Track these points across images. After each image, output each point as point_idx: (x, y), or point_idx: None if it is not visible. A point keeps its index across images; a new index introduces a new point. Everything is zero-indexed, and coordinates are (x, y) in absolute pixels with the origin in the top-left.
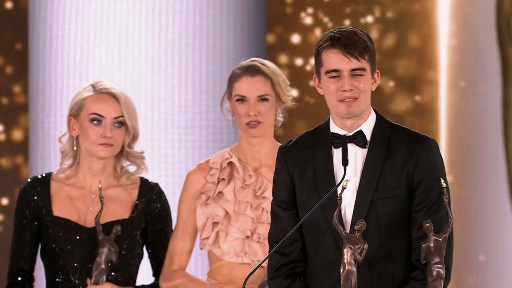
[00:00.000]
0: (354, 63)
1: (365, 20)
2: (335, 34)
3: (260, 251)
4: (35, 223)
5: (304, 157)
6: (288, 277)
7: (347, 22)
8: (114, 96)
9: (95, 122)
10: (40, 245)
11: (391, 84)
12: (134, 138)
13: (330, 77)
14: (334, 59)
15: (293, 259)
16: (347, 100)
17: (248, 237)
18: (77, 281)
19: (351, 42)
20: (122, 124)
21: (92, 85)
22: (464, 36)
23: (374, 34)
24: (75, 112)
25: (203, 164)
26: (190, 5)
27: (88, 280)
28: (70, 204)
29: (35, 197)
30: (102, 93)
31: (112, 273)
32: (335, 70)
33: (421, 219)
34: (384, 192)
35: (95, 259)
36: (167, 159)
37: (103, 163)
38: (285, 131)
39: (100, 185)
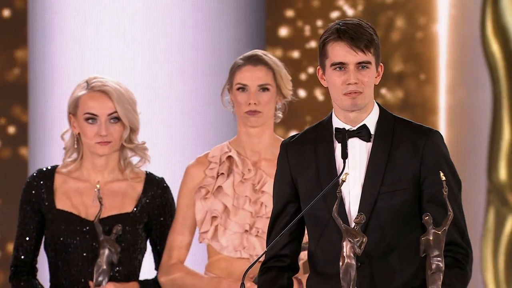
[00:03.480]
0: (360, 56)
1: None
2: (341, 27)
3: (258, 245)
4: (39, 215)
5: (306, 152)
6: (265, 273)
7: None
8: (106, 93)
9: (90, 121)
10: (43, 238)
11: (390, 79)
12: (133, 131)
13: (335, 70)
14: (340, 51)
15: (275, 254)
16: (351, 93)
17: (246, 231)
18: (80, 274)
19: (357, 35)
20: (118, 119)
21: (87, 82)
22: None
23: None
24: (73, 111)
25: (202, 158)
26: None
27: (90, 283)
28: (73, 197)
29: (39, 190)
30: (95, 91)
31: (115, 268)
32: (341, 63)
33: (433, 211)
34: (389, 185)
35: (96, 261)
36: (166, 153)
37: (105, 159)
38: (285, 125)
39: (98, 186)
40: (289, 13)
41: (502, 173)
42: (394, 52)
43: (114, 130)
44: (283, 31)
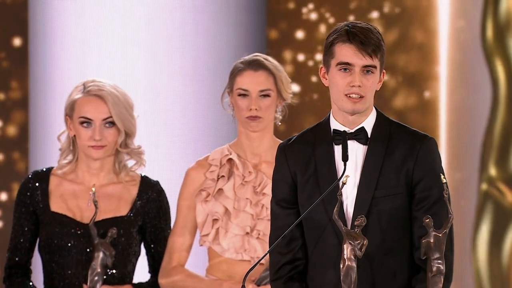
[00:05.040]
0: (367, 60)
1: (369, 15)
2: (350, 29)
3: (259, 248)
4: (34, 217)
5: (305, 154)
6: (288, 281)
7: (351, 18)
8: (101, 97)
9: (85, 124)
10: (38, 240)
11: (393, 80)
12: (129, 135)
13: (340, 70)
14: (348, 53)
15: (292, 259)
16: (353, 96)
17: (247, 233)
18: (74, 277)
19: (367, 39)
20: (113, 123)
21: (84, 85)
22: (467, 32)
23: None
24: (69, 113)
25: (202, 160)
26: (190, 1)
27: (85, 286)
28: (68, 200)
29: (34, 192)
30: (91, 95)
31: (109, 271)
32: (347, 64)
33: (422, 217)
34: (384, 189)
35: (91, 264)
36: (166, 155)
37: (100, 162)
38: (287, 127)
39: (93, 189)
40: (308, 13)
41: (492, 169)
42: (394, 53)
43: (109, 135)
44: (300, 34)
